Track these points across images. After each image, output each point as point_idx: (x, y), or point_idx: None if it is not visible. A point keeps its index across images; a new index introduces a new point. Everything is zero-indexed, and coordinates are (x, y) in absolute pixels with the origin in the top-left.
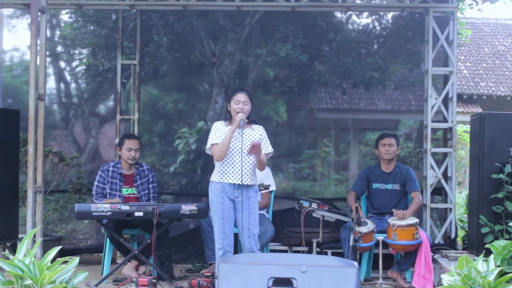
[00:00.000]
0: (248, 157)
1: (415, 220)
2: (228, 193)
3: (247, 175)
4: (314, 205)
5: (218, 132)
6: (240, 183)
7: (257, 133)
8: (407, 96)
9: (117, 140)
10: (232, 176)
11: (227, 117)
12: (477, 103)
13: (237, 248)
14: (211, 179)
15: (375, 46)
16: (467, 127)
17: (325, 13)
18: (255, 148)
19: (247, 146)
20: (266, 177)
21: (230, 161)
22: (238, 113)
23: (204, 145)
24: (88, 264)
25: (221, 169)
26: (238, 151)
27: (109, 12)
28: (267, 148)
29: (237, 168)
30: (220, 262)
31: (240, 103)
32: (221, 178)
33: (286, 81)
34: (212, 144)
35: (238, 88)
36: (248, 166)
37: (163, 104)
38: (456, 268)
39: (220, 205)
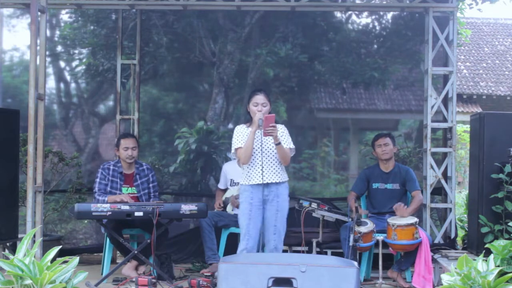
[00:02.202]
0: (270, 156)
1: (414, 219)
2: (258, 194)
3: (270, 173)
4: (314, 205)
5: (240, 135)
6: (261, 182)
7: (279, 133)
8: (407, 96)
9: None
10: (256, 177)
11: (247, 118)
12: (477, 103)
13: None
14: (241, 183)
15: (375, 46)
16: (467, 127)
17: (325, 13)
18: (268, 121)
19: (267, 146)
20: None
21: (253, 162)
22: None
23: (204, 145)
24: (88, 264)
25: (247, 172)
26: (258, 151)
27: (109, 12)
28: (288, 143)
29: (259, 168)
30: (220, 262)
31: (259, 105)
32: (248, 181)
33: (286, 81)
34: (236, 149)
35: (256, 89)
36: (270, 165)
37: (163, 104)
38: (456, 268)
39: (248, 205)
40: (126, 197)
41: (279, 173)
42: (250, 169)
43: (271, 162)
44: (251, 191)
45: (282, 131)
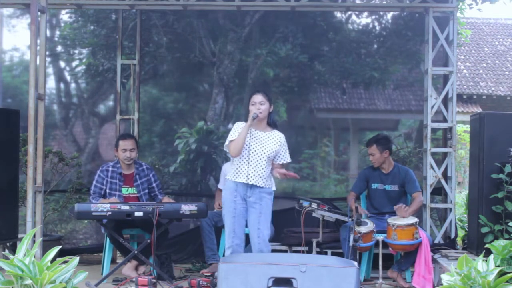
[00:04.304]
0: (258, 160)
1: (414, 219)
2: (241, 193)
3: (256, 176)
4: (314, 205)
5: (238, 130)
6: (246, 182)
7: (276, 140)
8: (407, 96)
9: None
10: (242, 176)
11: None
12: (477, 103)
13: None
14: (226, 177)
15: (375, 46)
16: (467, 127)
17: (325, 13)
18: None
19: (262, 147)
20: None
21: (242, 160)
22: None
23: (204, 145)
24: (88, 264)
25: (235, 168)
26: (246, 151)
27: (109, 12)
28: (286, 158)
29: (245, 167)
30: (220, 262)
31: (256, 103)
32: (234, 177)
33: (286, 81)
34: (230, 141)
35: (256, 90)
36: (257, 168)
37: (163, 104)
38: (456, 268)
39: (232, 203)
40: (115, 200)
41: (265, 179)
42: (238, 166)
43: (259, 166)
44: (235, 189)
45: (280, 142)
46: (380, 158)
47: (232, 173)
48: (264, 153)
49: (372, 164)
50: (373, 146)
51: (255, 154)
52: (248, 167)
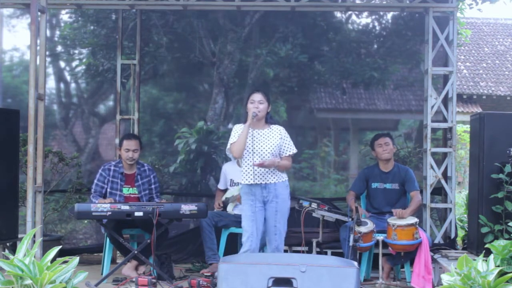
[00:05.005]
0: (263, 157)
1: (414, 219)
2: (258, 195)
3: (265, 174)
4: (314, 205)
5: (238, 133)
6: (253, 182)
7: (276, 135)
8: (407, 96)
9: (117, 140)
10: (249, 177)
11: (246, 118)
12: (477, 103)
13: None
14: (240, 182)
15: (375, 46)
16: (467, 127)
17: (325, 13)
18: (263, 166)
19: (264, 145)
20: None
21: (247, 162)
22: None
23: (204, 145)
24: (88, 264)
25: (242, 171)
26: (249, 151)
27: (109, 12)
28: (290, 149)
29: (250, 168)
30: (220, 262)
31: (255, 102)
32: (244, 180)
33: (286, 81)
34: (231, 144)
35: (255, 89)
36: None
37: (163, 104)
38: (456, 268)
39: (250, 207)
40: (109, 200)
41: (274, 173)
42: (244, 168)
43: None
44: (251, 193)
45: (280, 135)
46: (392, 150)
47: (242, 177)
48: (267, 150)
49: (382, 156)
50: (387, 137)
51: (259, 153)
52: (253, 167)
